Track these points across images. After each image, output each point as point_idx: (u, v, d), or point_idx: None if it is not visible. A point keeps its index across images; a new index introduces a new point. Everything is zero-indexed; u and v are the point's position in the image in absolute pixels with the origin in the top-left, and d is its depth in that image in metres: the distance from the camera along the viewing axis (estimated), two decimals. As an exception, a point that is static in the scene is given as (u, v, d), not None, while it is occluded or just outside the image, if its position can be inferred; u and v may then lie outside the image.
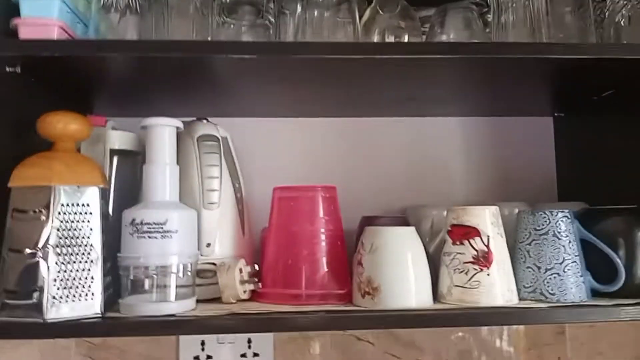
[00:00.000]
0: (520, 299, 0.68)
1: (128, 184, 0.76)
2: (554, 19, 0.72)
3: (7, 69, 0.66)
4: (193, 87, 0.80)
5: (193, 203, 0.72)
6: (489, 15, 0.74)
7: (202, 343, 0.92)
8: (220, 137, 0.76)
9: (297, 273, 0.69)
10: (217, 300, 0.70)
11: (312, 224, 0.71)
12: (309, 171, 0.97)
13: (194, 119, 0.79)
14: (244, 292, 0.70)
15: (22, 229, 0.60)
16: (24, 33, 0.65)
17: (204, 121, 0.78)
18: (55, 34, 0.66)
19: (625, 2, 0.71)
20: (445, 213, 0.78)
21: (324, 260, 0.70)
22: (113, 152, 0.76)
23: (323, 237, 0.71)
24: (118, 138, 0.77)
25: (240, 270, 0.70)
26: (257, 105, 0.90)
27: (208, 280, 0.72)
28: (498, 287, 0.65)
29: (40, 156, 0.63)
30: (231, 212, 0.76)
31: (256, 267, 0.72)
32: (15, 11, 0.66)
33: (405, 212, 0.90)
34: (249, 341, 0.93)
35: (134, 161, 0.80)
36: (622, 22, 0.71)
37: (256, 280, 0.71)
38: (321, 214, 0.72)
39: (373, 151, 0.98)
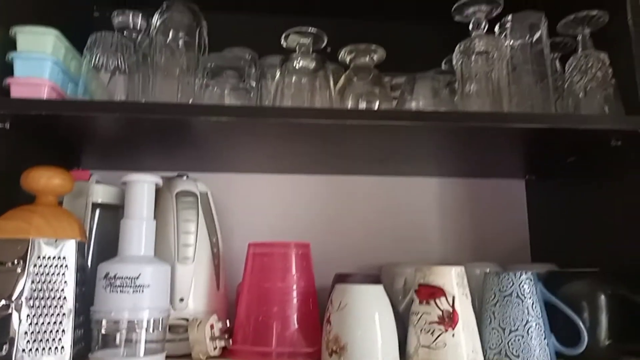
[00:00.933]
0: (486, 360, 0.69)
1: (109, 237, 0.77)
2: (521, 89, 0.77)
3: (-3, 125, 0.69)
4: (176, 144, 0.84)
5: (169, 257, 0.73)
6: (456, 84, 0.78)
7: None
8: (198, 193, 0.79)
9: (267, 330, 0.70)
10: (188, 356, 0.71)
11: (283, 280, 0.72)
12: (287, 227, 0.99)
13: (176, 174, 0.82)
14: (215, 348, 0.70)
15: (-3, 280, 0.61)
16: (15, 92, 0.69)
17: (184, 177, 0.80)
18: (45, 94, 0.70)
19: (581, 76, 0.76)
20: (418, 271, 0.80)
21: (295, 317, 0.71)
22: (95, 205, 0.79)
23: (294, 293, 0.72)
24: (101, 192, 0.80)
25: (212, 327, 0.71)
26: (237, 162, 0.94)
27: (180, 336, 0.73)
28: (463, 348, 0.66)
29: (21, 209, 0.65)
30: (206, 267, 0.78)
31: (228, 323, 0.73)
32: (9, 71, 0.70)
33: (380, 270, 0.92)
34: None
35: (116, 214, 0.82)
36: (579, 94, 0.76)
37: (226, 336, 0.71)
38: (293, 270, 0.73)
39: (351, 209, 1.01)
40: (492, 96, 0.73)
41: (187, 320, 0.73)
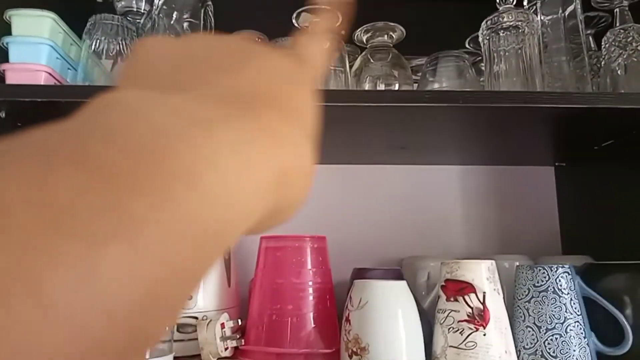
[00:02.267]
0: (520, 362, 0.63)
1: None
2: (552, 69, 0.71)
3: (-8, 114, 0.65)
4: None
5: (176, 252, 0.69)
6: (482, 64, 0.73)
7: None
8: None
9: (282, 329, 0.65)
10: (198, 357, 0.67)
11: (298, 276, 0.68)
12: (302, 219, 0.93)
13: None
14: (225, 349, 0.66)
15: None
16: (11, 78, 0.65)
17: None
18: (42, 80, 0.66)
19: (620, 52, 0.69)
20: (442, 266, 0.75)
21: (311, 315, 0.66)
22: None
23: (310, 290, 0.67)
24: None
25: (223, 325, 0.67)
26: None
27: (189, 335, 0.68)
28: (495, 349, 0.61)
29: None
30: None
31: (239, 321, 0.68)
32: (4, 57, 0.66)
33: (401, 263, 0.87)
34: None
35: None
36: (618, 72, 0.70)
37: (238, 336, 0.67)
38: (309, 265, 0.69)
39: (368, 199, 0.96)
40: (523, 75, 0.67)
41: (196, 318, 0.69)
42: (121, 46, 0.74)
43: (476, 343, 0.60)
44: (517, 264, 0.73)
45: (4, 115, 0.66)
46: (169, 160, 0.14)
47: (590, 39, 0.80)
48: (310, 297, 0.67)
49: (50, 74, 0.66)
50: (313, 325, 0.66)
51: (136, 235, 0.13)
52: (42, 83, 0.66)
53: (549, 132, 0.81)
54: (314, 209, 0.95)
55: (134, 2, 0.83)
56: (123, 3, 0.83)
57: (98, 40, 0.73)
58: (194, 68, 0.20)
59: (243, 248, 0.82)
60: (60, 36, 0.70)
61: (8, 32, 0.67)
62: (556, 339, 0.62)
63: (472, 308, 0.62)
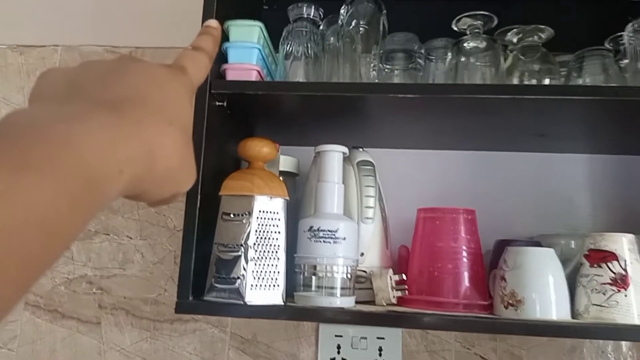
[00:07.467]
0: (655, 322, 0.73)
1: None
2: None
3: (217, 103, 0.83)
4: (347, 120, 0.94)
5: (351, 217, 0.84)
6: (623, 61, 0.81)
7: (338, 347, 1.04)
8: (374, 163, 0.89)
9: (442, 283, 0.79)
10: (366, 302, 0.82)
11: (456, 241, 0.81)
12: (436, 199, 1.06)
13: (350, 147, 0.92)
14: (394, 297, 0.80)
15: (228, 228, 0.75)
16: (230, 75, 0.83)
17: (360, 149, 0.91)
18: (254, 77, 0.83)
19: None
20: (572, 243, 0.86)
21: (466, 274, 0.79)
22: (280, 172, 0.92)
23: (465, 254, 0.80)
24: (284, 161, 0.93)
25: (391, 278, 0.81)
26: (398, 138, 1.03)
27: (360, 285, 0.84)
28: (634, 308, 0.71)
29: (243, 172, 0.79)
30: (380, 227, 0.88)
31: (404, 276, 0.83)
32: (224, 58, 0.84)
33: (532, 239, 0.97)
34: (380, 349, 1.03)
35: (293, 181, 0.95)
36: None
37: (405, 287, 0.81)
38: (463, 232, 0.81)
39: (502, 183, 1.06)
40: (667, 72, 0.75)
41: (365, 272, 0.84)
42: (307, 49, 0.90)
43: (618, 302, 0.71)
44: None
45: (225, 104, 0.84)
46: (45, 137, 0.22)
47: None
48: (465, 259, 0.80)
49: (259, 72, 0.84)
50: (468, 282, 0.79)
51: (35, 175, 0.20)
52: (253, 79, 0.83)
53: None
54: (452, 189, 1.07)
55: (304, 9, 0.99)
56: (295, 11, 0.99)
57: (289, 44, 0.90)
58: (79, 86, 0.29)
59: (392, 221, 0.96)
60: (262, 41, 0.87)
61: (225, 39, 0.85)
62: (691, 304, 0.71)
63: (614, 273, 0.72)
